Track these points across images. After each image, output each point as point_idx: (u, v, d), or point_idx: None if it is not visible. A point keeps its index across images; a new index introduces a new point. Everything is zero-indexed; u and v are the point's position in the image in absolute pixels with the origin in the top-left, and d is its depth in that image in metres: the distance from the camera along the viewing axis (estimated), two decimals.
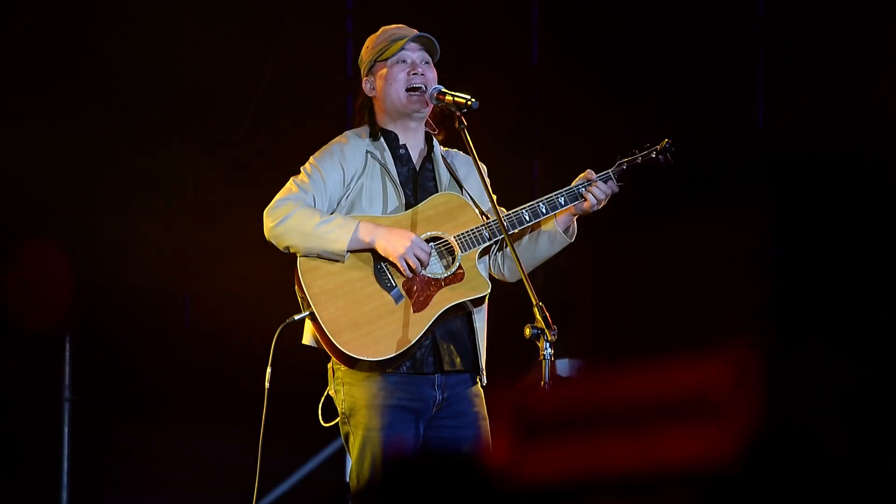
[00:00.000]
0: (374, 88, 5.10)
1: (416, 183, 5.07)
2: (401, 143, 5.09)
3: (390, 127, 5.10)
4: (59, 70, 8.46)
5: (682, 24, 8.99)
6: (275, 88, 9.00)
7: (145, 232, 8.78)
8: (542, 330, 4.57)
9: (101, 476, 8.45)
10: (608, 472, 2.12)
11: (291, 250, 4.91)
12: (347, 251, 4.88)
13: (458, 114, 4.94)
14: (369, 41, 5.15)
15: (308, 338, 4.97)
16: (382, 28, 5.16)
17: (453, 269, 4.95)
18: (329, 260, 4.91)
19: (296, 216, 4.88)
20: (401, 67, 5.05)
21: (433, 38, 5.07)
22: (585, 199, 5.02)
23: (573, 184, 5.07)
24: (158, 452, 8.62)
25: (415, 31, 5.11)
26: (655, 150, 5.12)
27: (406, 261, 4.85)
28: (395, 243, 4.85)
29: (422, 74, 5.04)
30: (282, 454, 8.21)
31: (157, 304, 8.85)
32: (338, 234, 4.85)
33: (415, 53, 5.07)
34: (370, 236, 4.86)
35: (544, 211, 5.03)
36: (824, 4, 8.64)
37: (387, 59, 5.06)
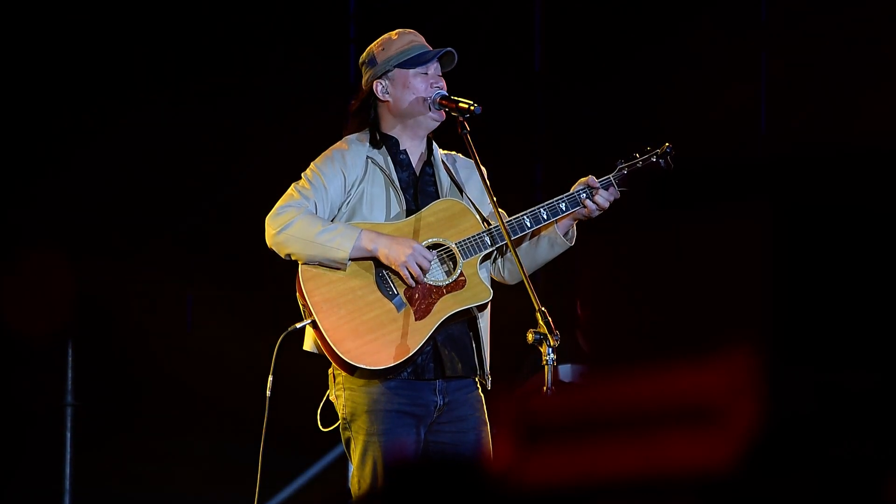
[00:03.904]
0: (387, 92, 5.08)
1: (417, 188, 5.07)
2: (401, 148, 5.08)
3: (394, 132, 5.09)
4: (60, 73, 8.46)
5: (684, 30, 8.99)
6: (276, 93, 9.00)
7: (147, 235, 8.77)
8: (545, 335, 4.57)
9: (103, 481, 8.44)
10: (610, 478, 2.11)
11: (293, 258, 4.91)
12: (349, 259, 4.88)
13: (461, 119, 4.94)
14: (384, 43, 5.10)
15: (309, 343, 4.97)
16: (398, 31, 5.12)
17: (455, 276, 4.95)
18: (331, 268, 4.90)
19: (297, 224, 4.88)
20: (423, 78, 5.04)
21: (455, 54, 5.08)
22: (586, 206, 5.03)
23: (574, 189, 5.07)
24: (161, 458, 8.62)
25: (423, 40, 5.11)
26: (656, 153, 5.13)
27: (408, 268, 4.85)
28: (397, 251, 4.85)
29: (440, 87, 5.04)
30: (284, 460, 8.21)
31: (159, 308, 8.85)
32: (340, 243, 4.85)
33: (433, 65, 5.08)
34: (372, 244, 4.86)
35: (545, 217, 5.03)
36: (827, 11, 8.64)
37: (410, 68, 5.04)
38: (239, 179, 8.78)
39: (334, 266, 4.88)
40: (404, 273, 4.85)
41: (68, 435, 8.14)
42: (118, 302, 8.64)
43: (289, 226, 4.88)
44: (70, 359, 8.15)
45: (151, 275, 8.80)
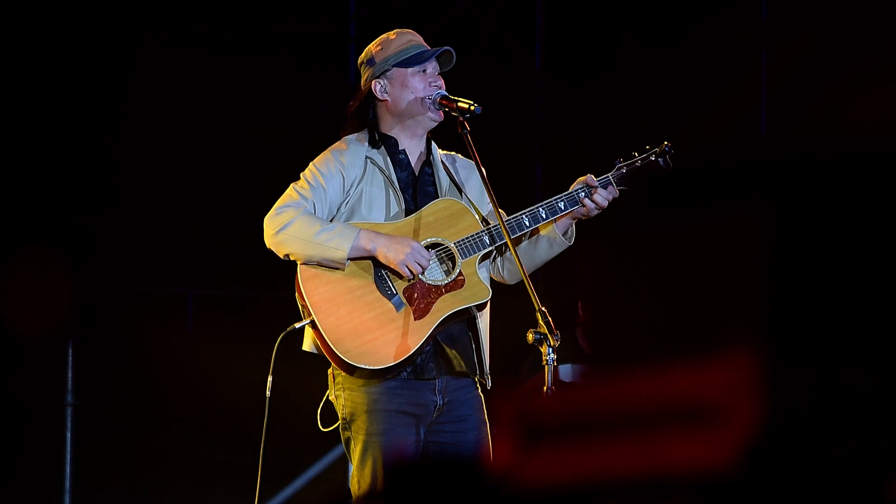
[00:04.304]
0: (386, 92, 5.07)
1: (416, 188, 5.07)
2: (400, 147, 5.08)
3: (394, 132, 5.09)
4: (60, 71, 8.46)
5: (684, 29, 8.99)
6: (276, 93, 9.00)
7: (147, 235, 8.78)
8: (545, 335, 4.57)
9: (103, 481, 8.44)
10: (610, 478, 2.11)
11: (292, 258, 4.91)
12: (348, 259, 4.88)
13: (461, 119, 4.95)
14: (382, 43, 5.10)
15: (308, 344, 4.97)
16: (396, 31, 5.12)
17: (454, 276, 4.94)
18: (330, 268, 4.90)
19: (296, 224, 4.88)
20: (421, 77, 5.04)
21: (454, 53, 5.08)
22: (584, 205, 5.03)
23: (572, 188, 5.07)
24: (161, 458, 8.62)
25: (421, 39, 5.11)
26: (655, 152, 5.13)
27: (407, 266, 4.85)
28: (396, 250, 4.85)
29: (438, 86, 5.04)
30: (284, 460, 8.21)
31: (159, 307, 8.85)
32: (338, 242, 4.85)
33: (431, 64, 5.08)
34: (371, 244, 4.86)
35: (544, 216, 5.03)
36: (827, 10, 8.64)
37: (408, 67, 5.04)
38: (239, 180, 8.78)
39: (333, 266, 4.88)
40: (403, 271, 4.85)
41: (68, 435, 8.14)
42: (118, 302, 8.65)
43: (287, 226, 4.88)
44: (70, 359, 8.15)
45: (151, 275, 8.80)
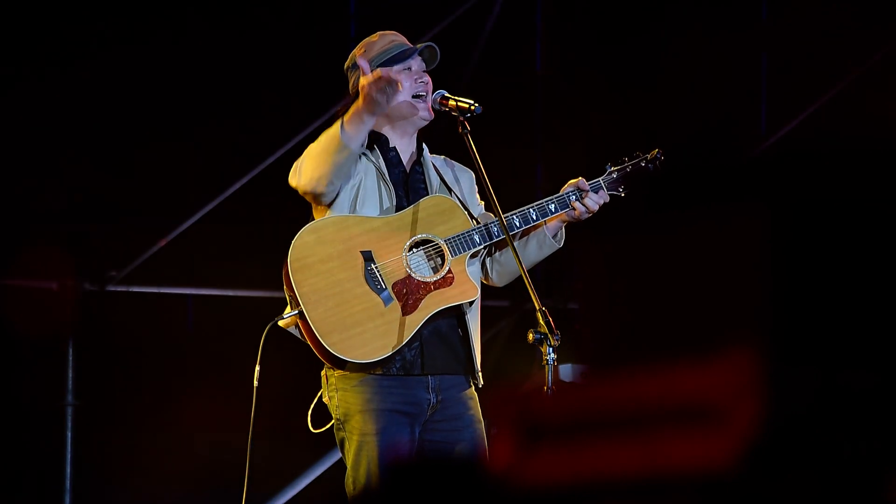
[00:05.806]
0: None
1: (407, 185, 5.08)
2: (391, 146, 5.09)
3: (384, 131, 5.10)
4: (59, 66, 8.46)
5: (684, 30, 8.99)
6: (276, 93, 9.00)
7: (147, 235, 8.77)
8: (545, 335, 4.57)
9: (103, 481, 8.44)
10: (611, 478, 2.11)
11: (323, 182, 4.84)
12: (348, 140, 4.79)
13: (462, 119, 4.95)
14: (366, 45, 5.12)
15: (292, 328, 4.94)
16: (378, 33, 5.15)
17: (443, 273, 4.94)
18: (320, 258, 4.89)
19: (305, 156, 4.91)
20: (407, 75, 5.05)
21: (438, 50, 5.08)
22: (575, 208, 5.05)
23: (563, 190, 5.09)
24: (161, 457, 8.61)
25: (404, 39, 5.12)
26: (645, 159, 5.15)
27: (377, 86, 4.79)
28: (361, 93, 4.79)
29: (425, 82, 5.05)
30: (284, 460, 8.21)
31: (159, 307, 8.84)
32: (329, 132, 4.85)
33: (416, 62, 5.09)
34: (350, 115, 4.83)
35: (534, 217, 5.04)
36: (827, 10, 8.65)
37: (392, 66, 5.04)
38: (239, 180, 8.78)
39: (342, 155, 4.82)
40: (376, 95, 4.80)
41: (68, 435, 8.14)
42: (118, 301, 8.64)
43: (302, 163, 4.92)
44: (70, 359, 8.14)
45: (151, 274, 8.80)
